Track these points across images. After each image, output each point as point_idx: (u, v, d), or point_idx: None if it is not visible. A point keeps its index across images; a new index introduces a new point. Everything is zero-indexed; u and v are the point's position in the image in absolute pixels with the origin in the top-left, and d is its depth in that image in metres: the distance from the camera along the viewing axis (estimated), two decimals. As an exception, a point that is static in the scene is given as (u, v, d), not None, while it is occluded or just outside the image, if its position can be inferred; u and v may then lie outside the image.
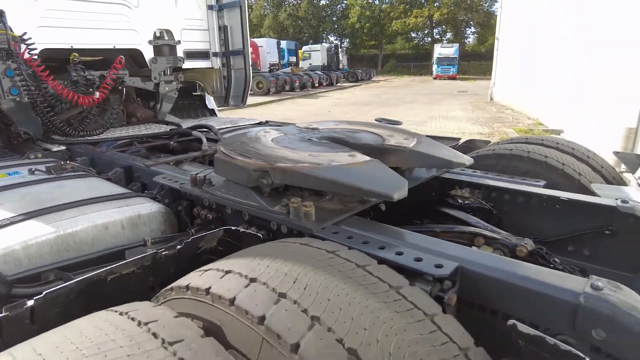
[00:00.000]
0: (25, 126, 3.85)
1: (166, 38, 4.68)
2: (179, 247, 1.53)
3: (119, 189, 2.40)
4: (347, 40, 62.51)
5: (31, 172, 2.62)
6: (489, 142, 3.22)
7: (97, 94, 4.06)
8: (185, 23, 4.95)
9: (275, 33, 56.18)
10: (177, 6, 4.84)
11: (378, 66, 56.07)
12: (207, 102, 5.80)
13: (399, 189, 1.62)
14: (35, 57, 3.67)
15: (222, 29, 5.21)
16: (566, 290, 1.11)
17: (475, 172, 2.34)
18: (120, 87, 4.34)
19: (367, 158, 1.87)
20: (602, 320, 1.04)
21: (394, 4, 54.20)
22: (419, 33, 58.51)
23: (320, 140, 2.23)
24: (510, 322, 0.98)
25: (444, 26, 56.21)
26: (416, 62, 53.50)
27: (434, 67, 40.68)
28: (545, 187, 2.12)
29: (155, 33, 4.60)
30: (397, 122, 3.44)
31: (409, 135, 2.37)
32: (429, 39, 56.92)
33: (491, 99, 18.83)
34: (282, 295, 0.92)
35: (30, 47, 3.63)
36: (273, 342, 0.83)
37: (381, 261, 1.24)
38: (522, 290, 1.17)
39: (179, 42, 4.77)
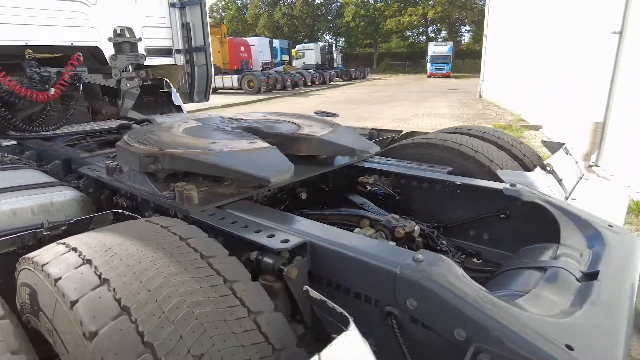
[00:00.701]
0: (-19, 119, 3.90)
1: (127, 35, 4.73)
2: (63, 227, 1.58)
3: (45, 179, 2.45)
4: (343, 39, 62.55)
5: (-34, 164, 2.68)
6: (427, 133, 3.27)
7: (53, 90, 4.10)
8: (147, 20, 4.99)
9: (270, 32, 56.21)
10: (137, 3, 4.88)
11: (373, 65, 56.12)
12: (173, 99, 5.86)
13: (279, 174, 1.68)
14: (-12, 54, 3.72)
15: (185, 26, 5.26)
16: (389, 261, 1.17)
17: (389, 160, 2.40)
18: (78, 84, 4.38)
19: (265, 145, 1.93)
20: (414, 289, 1.10)
21: (388, 3, 54.27)
22: (413, 31, 58.57)
23: (234, 130, 2.29)
24: (305, 288, 1.03)
25: (438, 24, 56.25)
26: (411, 60, 53.55)
27: (428, 65, 40.71)
28: (451, 173, 2.17)
29: (115, 30, 4.66)
30: (334, 115, 3.50)
31: (326, 125, 2.43)
32: (424, 37, 56.97)
33: (480, 96, 18.89)
34: (88, 262, 0.98)
35: (-18, 44, 3.68)
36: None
37: (241, 240, 1.31)
38: (356, 262, 1.23)
39: (140, 39, 4.82)
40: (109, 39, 4.63)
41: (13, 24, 4.06)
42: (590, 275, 1.29)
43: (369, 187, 2.22)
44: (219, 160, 1.70)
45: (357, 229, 1.76)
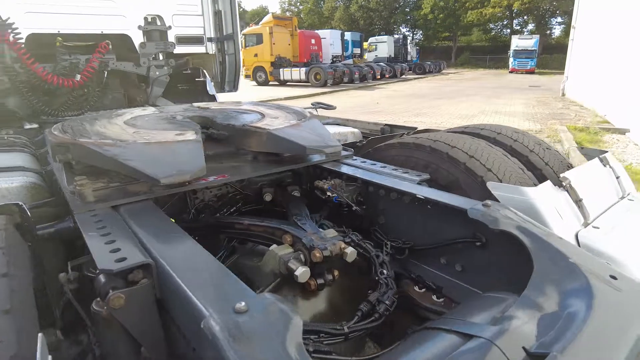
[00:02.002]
0: (15, 106, 4.11)
1: (157, 23, 4.74)
2: None
3: (19, 164, 2.42)
4: (420, 31, 60.23)
5: (-39, 146, 2.77)
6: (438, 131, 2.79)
7: (78, 77, 4.21)
8: (177, 8, 4.97)
9: (345, 25, 55.78)
10: (168, -9, 4.87)
11: (451, 58, 53.37)
12: (208, 88, 5.82)
13: (177, 175, 1.41)
14: (21, 41, 3.88)
15: (217, 14, 5.17)
16: (206, 308, 0.85)
17: (364, 162, 2.01)
18: (104, 71, 4.46)
19: (191, 138, 1.66)
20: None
21: (469, -6, 51.02)
22: (497, 24, 54.54)
23: (183, 120, 2.05)
24: None
25: (525, 16, 51.74)
26: (493, 54, 49.98)
27: (510, 60, 37.66)
28: (435, 182, 1.75)
29: (146, 18, 4.68)
30: (330, 107, 3.15)
31: (296, 118, 2.10)
32: (508, 30, 52.79)
33: (563, 94, 16.94)
34: None
35: (15, 31, 3.84)
36: None
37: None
38: (181, 296, 0.93)
39: (170, 27, 4.81)
40: (139, 27, 4.65)
41: (46, 13, 4.21)
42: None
43: (328, 194, 1.85)
44: (116, 153, 1.48)
45: (273, 246, 1.43)
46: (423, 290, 1.57)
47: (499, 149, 2.02)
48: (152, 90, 5.01)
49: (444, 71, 40.89)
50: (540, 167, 2.05)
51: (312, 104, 3.56)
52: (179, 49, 5.04)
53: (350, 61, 32.02)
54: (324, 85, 24.03)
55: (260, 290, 1.44)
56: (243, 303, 0.83)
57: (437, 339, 0.96)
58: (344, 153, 2.20)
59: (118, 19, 4.63)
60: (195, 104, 2.58)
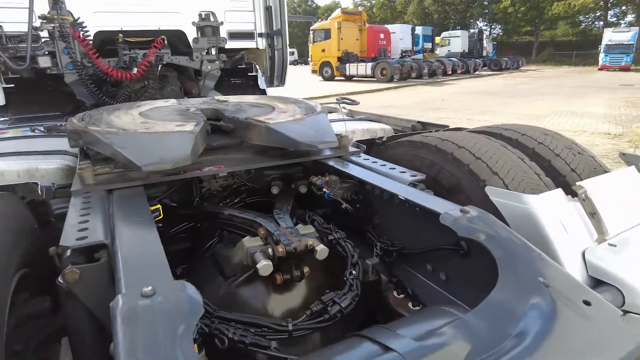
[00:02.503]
0: (82, 96, 4.55)
1: (211, 19, 4.97)
2: None
3: (62, 148, 2.69)
4: (499, 26, 56.71)
5: (32, 129, 3.12)
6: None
7: (135, 70, 4.54)
8: (230, 5, 5.16)
9: (418, 19, 54.24)
10: (222, -12, 5.07)
11: (532, 54, 49.62)
12: (259, 83, 5.98)
13: (154, 164, 1.48)
14: (88, 38, 4.28)
15: (267, 10, 5.28)
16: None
17: (366, 160, 1.95)
18: (159, 65, 4.77)
19: (188, 129, 1.73)
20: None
21: (556, -16, 46.87)
22: (588, 16, 49.59)
23: (194, 112, 2.13)
24: None
25: (624, 6, 46.46)
26: (580, 50, 45.58)
27: (601, 55, 34.06)
28: (436, 183, 1.66)
29: (200, 15, 4.92)
30: (354, 102, 3.08)
31: (304, 111, 2.09)
32: (601, 22, 47.77)
33: (660, 94, 15.03)
34: None
35: (84, 29, 4.25)
36: None
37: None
38: None
39: (222, 23, 5.01)
40: (193, 23, 4.91)
41: (111, 12, 4.60)
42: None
43: (324, 190, 1.83)
44: (113, 141, 1.58)
45: (246, 238, 1.45)
46: (402, 296, 1.49)
47: (516, 152, 1.85)
48: (204, 84, 5.26)
49: (522, 68, 38.22)
50: (565, 173, 1.84)
51: (336, 100, 3.52)
52: (231, 44, 5.24)
53: (420, 56, 31.08)
54: (390, 80, 23.60)
55: (231, 281, 1.47)
56: (150, 287, 0.85)
57: (359, 347, 0.91)
58: (352, 150, 2.15)
59: (174, 15, 4.92)
60: (217, 97, 2.66)
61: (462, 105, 13.41)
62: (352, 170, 1.81)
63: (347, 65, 25.66)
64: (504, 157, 1.74)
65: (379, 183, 1.62)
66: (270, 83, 5.73)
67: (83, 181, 1.59)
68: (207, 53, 5.12)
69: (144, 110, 2.18)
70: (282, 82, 5.59)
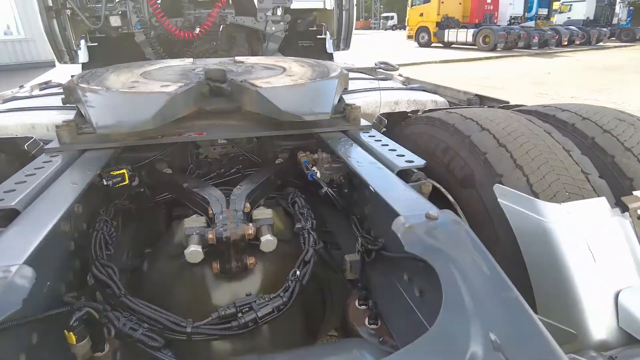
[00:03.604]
0: (150, 56, 4.72)
1: (277, -23, 4.77)
2: None
3: None
4: (640, -13, 47.73)
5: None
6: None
7: (197, 30, 4.57)
8: (297, -39, 4.88)
9: (537, -19, 47.87)
10: (286, -56, 4.80)
11: (683, 23, 41.17)
12: (327, 46, 5.69)
13: (109, 127, 1.37)
14: (157, -2, 4.36)
15: (336, -34, 4.92)
16: None
17: (374, 137, 1.66)
18: (222, 24, 4.73)
19: (168, 90, 1.58)
20: None
21: None
22: None
23: (197, 73, 1.97)
24: None
25: None
26: None
27: None
28: (444, 173, 1.35)
29: (265, -27, 4.74)
30: (394, 67, 2.71)
31: (318, 76, 1.84)
32: None
33: None
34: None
35: (150, -12, 4.34)
36: None
37: None
38: None
39: (288, -19, 4.78)
40: (258, -17, 4.75)
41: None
42: None
43: (309, 168, 1.58)
44: (88, 99, 1.49)
45: (192, 217, 1.28)
46: (364, 307, 1.22)
47: (564, 141, 1.39)
48: (267, 46, 5.13)
49: (664, 39, 31.98)
50: (632, 175, 1.34)
51: (375, 64, 3.13)
52: (297, 4, 5.00)
53: (531, 23, 27.63)
54: (493, 49, 21.43)
55: (167, 262, 1.33)
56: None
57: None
58: (364, 123, 1.85)
59: (240, -27, 4.78)
60: (237, 58, 2.49)
61: (570, 81, 11.64)
62: (344, 148, 1.53)
63: (446, 31, 23.80)
64: (539, 147, 1.32)
65: (359, 167, 1.33)
66: (336, 46, 5.41)
67: (60, 139, 1.54)
68: (273, 14, 4.95)
69: (149, 69, 2.09)
70: (347, 45, 5.24)
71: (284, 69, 2.06)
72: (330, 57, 5.70)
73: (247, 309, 1.01)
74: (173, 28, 4.31)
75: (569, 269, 1.00)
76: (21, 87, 3.72)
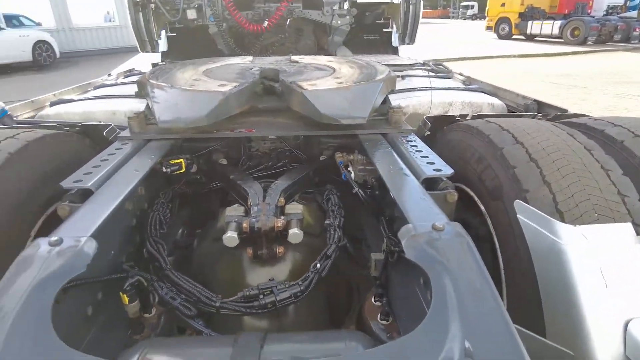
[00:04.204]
0: (221, 46, 5.03)
1: (343, -29, 4.82)
2: None
3: None
4: None
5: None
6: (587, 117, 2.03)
7: (266, 23, 4.78)
8: (366, -46, 4.88)
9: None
10: (358, -61, 4.81)
11: None
12: (392, 39, 5.65)
13: (169, 122, 1.58)
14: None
15: (404, -40, 4.85)
16: None
17: (411, 142, 1.72)
18: (289, 18, 4.89)
19: (224, 90, 1.76)
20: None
21: None
22: None
23: (253, 72, 2.13)
24: None
25: None
26: None
27: None
28: (473, 182, 1.41)
29: (336, -32, 4.81)
30: (447, 70, 2.65)
31: (363, 79, 1.92)
32: None
33: None
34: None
35: (223, -16, 4.61)
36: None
37: None
38: None
39: (355, -26, 4.81)
40: (325, -25, 4.83)
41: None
42: None
43: (344, 169, 1.68)
44: (156, 94, 1.71)
45: (234, 206, 1.46)
46: (378, 303, 1.31)
47: (605, 160, 1.35)
48: (332, 39, 5.22)
49: None
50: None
51: (422, 62, 3.07)
52: (365, -1, 5.02)
53: (634, 13, 24.76)
54: (582, 43, 19.62)
55: (210, 244, 1.51)
56: (58, 237, 0.95)
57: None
58: (405, 127, 1.90)
59: (309, -33, 4.89)
60: (293, 57, 2.61)
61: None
62: (378, 152, 1.60)
63: (530, 22, 22.15)
64: (572, 164, 1.30)
65: (386, 172, 1.40)
66: (402, 40, 5.35)
67: (131, 129, 1.79)
68: (339, 7, 5.02)
69: (210, 67, 2.30)
70: (412, 40, 5.17)
71: (334, 70, 2.15)
72: (395, 50, 5.66)
73: (269, 292, 1.15)
74: (243, 21, 4.55)
75: (578, 292, 1.01)
76: (109, 75, 4.18)
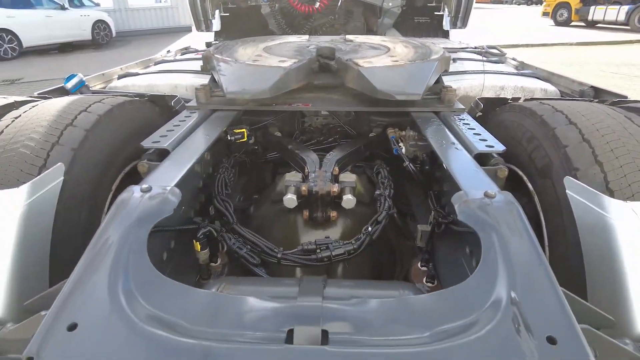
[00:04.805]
0: (273, 27, 5.16)
1: (395, -48, 4.77)
2: None
3: None
4: None
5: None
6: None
7: (317, 4, 4.84)
8: None
9: None
10: None
11: None
12: (444, 23, 5.55)
13: (235, 92, 1.72)
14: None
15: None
16: None
17: (463, 120, 1.77)
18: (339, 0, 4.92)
19: (284, 65, 1.88)
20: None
21: None
22: None
23: (310, 49, 2.23)
24: None
25: None
26: None
27: None
28: (524, 162, 1.46)
29: (383, -53, 4.78)
30: (501, 53, 2.63)
31: (418, 58, 1.98)
32: None
33: None
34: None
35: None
36: None
37: None
38: None
39: (407, -44, 4.75)
40: (375, -44, 4.81)
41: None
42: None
43: (399, 143, 1.76)
44: (221, 68, 1.85)
45: (292, 172, 1.58)
46: (424, 268, 1.40)
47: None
48: (382, 21, 5.21)
49: None
50: None
51: (475, 47, 3.01)
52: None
53: None
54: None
55: (270, 205, 1.65)
56: (148, 185, 1.09)
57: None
58: (458, 106, 1.95)
59: (361, -52, 4.88)
60: (347, 36, 2.67)
61: None
62: (431, 128, 1.66)
63: (593, 7, 20.72)
64: (627, 146, 1.31)
65: (439, 146, 1.47)
66: (453, 24, 5.25)
67: (197, 99, 1.94)
68: (390, -12, 5.00)
69: (270, 45, 2.41)
70: (464, 23, 5.06)
71: (388, 49, 2.21)
72: (446, 34, 5.56)
73: (325, 247, 1.27)
74: (295, 1, 4.64)
75: (624, 264, 1.05)
76: (168, 51, 4.41)
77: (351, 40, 2.52)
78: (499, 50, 3.48)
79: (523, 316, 0.80)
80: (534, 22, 23.23)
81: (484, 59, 3.45)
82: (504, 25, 21.39)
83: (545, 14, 23.66)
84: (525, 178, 1.59)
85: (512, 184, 1.66)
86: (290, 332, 0.78)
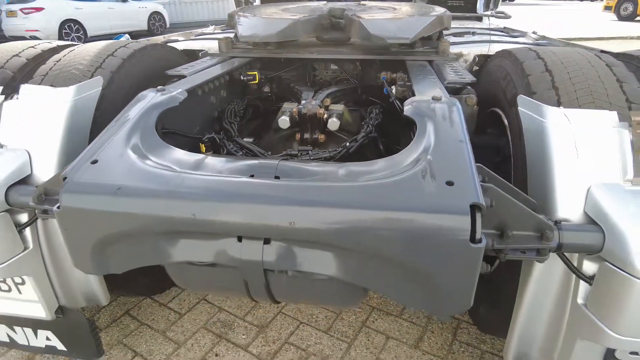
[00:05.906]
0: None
1: None
2: None
3: None
4: None
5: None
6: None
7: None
8: None
9: None
10: None
11: None
12: (477, 6, 5.55)
13: (247, 37, 1.99)
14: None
15: None
16: None
17: (451, 66, 1.95)
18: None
19: (294, 18, 2.14)
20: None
21: None
22: None
23: (322, 10, 2.46)
24: None
25: None
26: None
27: None
28: (494, 94, 1.64)
29: None
30: (506, 16, 2.73)
31: (417, 14, 2.18)
32: None
33: None
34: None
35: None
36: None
37: None
38: None
39: None
40: None
41: None
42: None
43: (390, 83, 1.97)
44: (241, 22, 2.14)
45: (289, 102, 1.84)
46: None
47: (623, 75, 1.47)
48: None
49: None
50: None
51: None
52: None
53: None
54: None
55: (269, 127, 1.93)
56: (166, 89, 1.39)
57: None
58: (451, 57, 2.12)
59: None
60: (362, 1, 2.88)
61: None
62: (419, 70, 1.85)
63: (662, 0, 19.34)
64: (588, 78, 1.44)
65: (415, 77, 1.66)
66: (486, 7, 5.25)
67: (220, 48, 2.25)
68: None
69: (289, 7, 2.69)
70: (495, 6, 5.05)
71: (395, 10, 2.40)
72: (479, 17, 5.56)
73: (305, 153, 1.51)
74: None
75: (553, 160, 1.20)
76: (208, 26, 4.80)
77: (364, 4, 2.74)
78: (504, 13, 3.48)
79: (432, 169, 1.00)
80: (595, 17, 21.99)
81: (504, 34, 3.52)
82: (561, 21, 20.43)
83: (607, 8, 22.31)
84: (501, 113, 1.75)
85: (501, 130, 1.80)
86: (252, 176, 1.04)
